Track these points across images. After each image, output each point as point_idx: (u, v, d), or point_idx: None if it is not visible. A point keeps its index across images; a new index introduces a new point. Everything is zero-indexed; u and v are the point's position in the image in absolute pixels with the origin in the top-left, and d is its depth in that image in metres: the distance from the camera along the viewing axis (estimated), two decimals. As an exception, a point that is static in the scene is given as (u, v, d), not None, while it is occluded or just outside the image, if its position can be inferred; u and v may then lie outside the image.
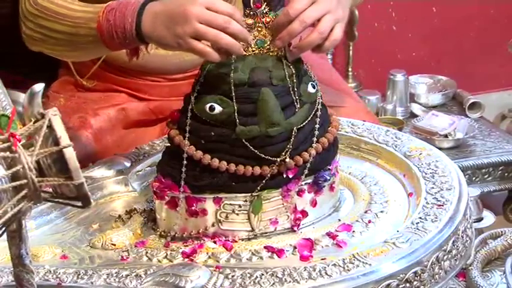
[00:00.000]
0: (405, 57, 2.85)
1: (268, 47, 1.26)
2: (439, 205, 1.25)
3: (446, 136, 2.41)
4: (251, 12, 1.25)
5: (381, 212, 1.30)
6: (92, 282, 1.13)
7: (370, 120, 1.75)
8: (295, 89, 1.25)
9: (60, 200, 0.88)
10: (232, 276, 1.11)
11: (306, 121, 1.25)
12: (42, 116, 0.87)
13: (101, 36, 1.30)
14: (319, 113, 1.27)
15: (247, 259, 1.20)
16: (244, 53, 1.24)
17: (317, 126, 1.26)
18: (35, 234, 1.31)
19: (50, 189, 0.87)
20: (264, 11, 1.26)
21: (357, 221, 1.28)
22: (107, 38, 1.30)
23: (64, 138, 0.84)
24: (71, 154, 0.84)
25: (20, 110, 0.95)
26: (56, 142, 0.85)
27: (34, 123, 0.87)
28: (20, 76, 1.81)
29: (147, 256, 1.22)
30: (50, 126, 0.85)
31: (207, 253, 1.21)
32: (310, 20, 1.25)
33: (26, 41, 1.49)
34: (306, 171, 1.25)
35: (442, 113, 2.52)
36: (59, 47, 1.43)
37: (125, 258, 1.22)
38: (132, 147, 1.55)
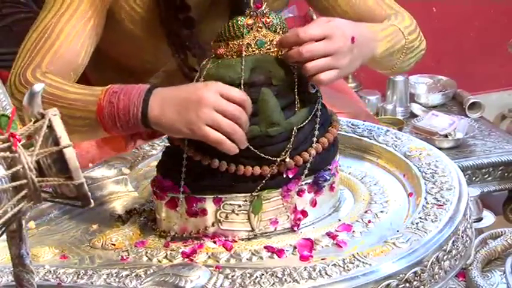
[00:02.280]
0: (405, 57, 2.84)
1: (268, 47, 1.26)
2: (439, 205, 1.25)
3: (446, 136, 2.41)
4: (251, 12, 1.25)
5: (381, 212, 1.30)
6: (91, 282, 1.13)
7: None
8: (295, 89, 1.25)
9: (60, 200, 0.88)
10: (232, 276, 1.11)
11: (306, 121, 1.25)
12: (42, 116, 0.87)
13: (101, 120, 1.23)
14: (319, 113, 1.27)
15: (247, 259, 1.20)
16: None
17: (317, 126, 1.26)
18: (35, 234, 1.31)
19: (50, 189, 0.87)
20: (264, 11, 1.26)
21: (357, 221, 1.28)
22: (107, 122, 1.23)
23: (64, 138, 0.84)
24: (71, 154, 0.84)
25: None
26: (56, 142, 0.85)
27: (34, 123, 0.87)
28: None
29: (147, 256, 1.22)
30: (50, 126, 0.85)
31: (207, 253, 1.21)
32: (309, 56, 1.21)
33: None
34: (306, 171, 1.25)
35: (442, 113, 2.52)
36: None
37: (124, 258, 1.22)
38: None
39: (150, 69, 1.59)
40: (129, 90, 1.22)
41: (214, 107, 1.17)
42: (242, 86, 1.22)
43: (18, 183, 0.84)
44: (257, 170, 1.22)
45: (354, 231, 1.25)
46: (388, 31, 1.42)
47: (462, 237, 1.23)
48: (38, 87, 0.88)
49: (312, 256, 1.18)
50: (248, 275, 1.11)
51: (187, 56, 1.51)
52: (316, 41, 1.23)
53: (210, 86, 1.19)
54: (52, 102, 1.25)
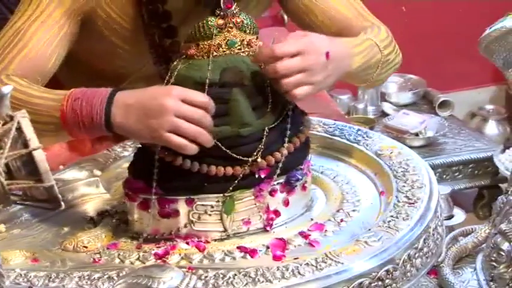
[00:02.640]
0: (376, 57, 2.86)
1: (239, 47, 1.26)
2: (410, 203, 1.26)
3: (417, 134, 2.43)
4: (221, 13, 1.25)
5: (353, 210, 1.31)
6: (63, 286, 1.12)
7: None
8: (267, 89, 1.25)
9: (31, 203, 0.88)
10: (205, 277, 1.11)
11: (278, 121, 1.25)
12: (11, 118, 0.86)
13: (65, 126, 1.24)
14: (290, 112, 1.27)
15: (220, 260, 1.19)
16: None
17: (288, 126, 1.26)
18: (5, 237, 1.29)
19: (20, 192, 0.86)
20: (235, 11, 1.25)
21: (329, 220, 1.28)
22: (72, 128, 1.24)
23: (33, 141, 0.84)
24: (40, 156, 0.83)
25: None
26: (25, 144, 0.84)
27: (3, 125, 0.86)
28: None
29: (119, 258, 1.22)
30: (19, 129, 0.85)
31: (180, 254, 1.21)
32: (284, 73, 1.21)
33: None
34: (278, 171, 1.25)
35: (413, 112, 2.54)
36: None
37: (96, 260, 1.21)
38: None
39: (124, 74, 1.58)
40: (91, 96, 1.22)
41: (175, 113, 1.17)
42: (207, 87, 1.21)
43: (-13, 186, 0.84)
44: (229, 170, 1.22)
45: (326, 231, 1.25)
46: (364, 46, 1.42)
47: (433, 234, 1.24)
48: (7, 89, 0.87)
49: (284, 256, 1.19)
50: (221, 276, 1.11)
51: (169, 64, 1.50)
52: (292, 56, 1.22)
53: (170, 92, 1.19)
54: (16, 106, 1.19)
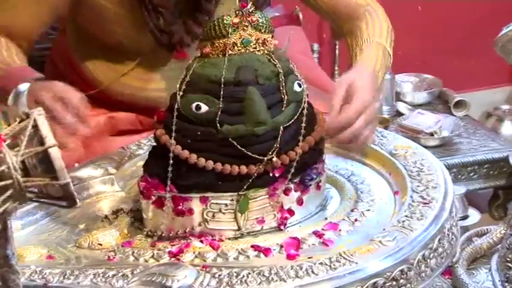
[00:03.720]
0: (391, 56, 2.85)
1: (254, 45, 1.26)
2: (425, 203, 1.25)
3: (431, 134, 2.42)
4: (236, 11, 1.25)
5: (367, 210, 1.30)
6: (78, 283, 1.13)
7: None
8: (282, 88, 1.25)
9: (46, 200, 0.88)
10: (219, 275, 1.11)
11: (293, 120, 1.25)
12: (27, 115, 0.86)
13: None
14: (305, 111, 1.27)
15: (234, 258, 1.20)
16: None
17: (303, 125, 1.26)
18: (21, 235, 1.30)
19: (36, 190, 0.87)
20: (250, 10, 1.26)
21: (344, 219, 1.28)
22: None
23: (49, 138, 0.84)
24: (56, 154, 0.84)
25: (5, 110, 0.95)
26: (41, 142, 0.84)
27: (19, 123, 0.87)
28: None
29: (133, 256, 1.22)
30: (35, 126, 0.85)
31: (194, 252, 1.21)
32: (357, 135, 1.35)
33: None
34: (293, 170, 1.25)
35: (428, 112, 2.53)
36: None
37: (111, 258, 1.22)
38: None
39: (128, 47, 1.62)
40: (13, 78, 1.30)
41: (35, 100, 1.25)
42: (222, 85, 1.22)
43: (3, 183, 0.84)
44: (243, 169, 1.22)
45: (340, 230, 1.25)
46: (379, 61, 1.52)
47: (448, 235, 1.23)
48: (23, 87, 0.88)
49: (298, 255, 1.19)
50: (235, 274, 1.11)
51: (159, 19, 1.58)
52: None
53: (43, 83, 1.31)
54: None
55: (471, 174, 2.38)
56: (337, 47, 2.76)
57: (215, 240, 1.24)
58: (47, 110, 1.21)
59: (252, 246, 1.21)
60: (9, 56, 1.44)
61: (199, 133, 1.23)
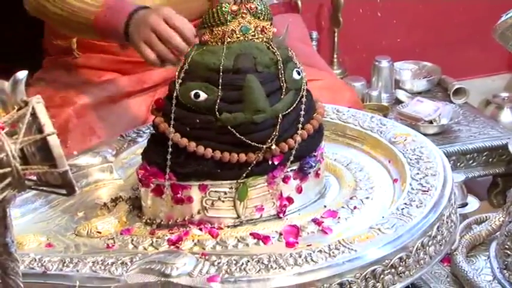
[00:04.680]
0: (390, 44, 2.85)
1: (252, 33, 1.25)
2: (424, 191, 1.25)
3: (431, 122, 2.42)
4: (236, -1, 1.24)
5: (366, 198, 1.30)
6: (77, 270, 1.13)
7: (349, 92, 1.78)
8: (280, 76, 1.25)
9: (45, 188, 0.88)
10: (218, 263, 1.12)
11: (291, 108, 1.25)
12: (26, 103, 0.86)
13: (95, 29, 1.51)
14: (304, 99, 1.27)
15: (233, 246, 1.20)
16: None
17: (302, 112, 1.26)
18: (20, 223, 1.30)
19: (34, 177, 0.87)
20: (249, -2, 1.25)
21: (343, 207, 1.28)
22: (100, 31, 1.52)
23: (48, 126, 0.84)
24: (55, 142, 0.83)
25: (3, 98, 0.95)
26: (40, 130, 0.84)
27: (17, 110, 0.86)
28: (3, 63, 1.80)
29: (132, 244, 1.22)
30: (34, 114, 0.85)
31: (193, 240, 1.21)
32: None
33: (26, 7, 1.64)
34: (292, 158, 1.25)
35: (427, 99, 2.52)
36: (56, 20, 1.60)
37: (110, 246, 1.22)
38: (117, 122, 1.55)
39: None
40: (118, 11, 1.48)
41: (151, 28, 1.42)
42: (221, 73, 1.21)
43: (1, 171, 0.84)
44: (242, 156, 1.22)
45: (339, 218, 1.25)
46: None
47: (447, 222, 1.23)
48: (21, 74, 0.87)
49: (297, 242, 1.19)
50: (234, 262, 1.11)
51: None
52: None
53: (158, 11, 1.44)
54: (57, 5, 1.55)
55: (470, 162, 2.38)
56: (335, 34, 2.75)
57: (214, 228, 1.24)
58: (162, 36, 1.40)
59: (251, 234, 1.21)
60: None
61: (198, 121, 1.22)
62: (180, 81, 1.24)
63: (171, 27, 1.41)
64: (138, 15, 1.47)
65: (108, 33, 1.51)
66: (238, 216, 1.25)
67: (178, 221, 1.25)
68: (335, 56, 2.77)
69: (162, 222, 1.26)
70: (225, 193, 1.24)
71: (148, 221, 1.27)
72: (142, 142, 1.45)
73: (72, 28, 1.60)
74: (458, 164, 2.36)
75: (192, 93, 1.22)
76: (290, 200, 1.27)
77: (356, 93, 1.99)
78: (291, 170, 1.26)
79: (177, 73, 1.25)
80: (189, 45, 1.40)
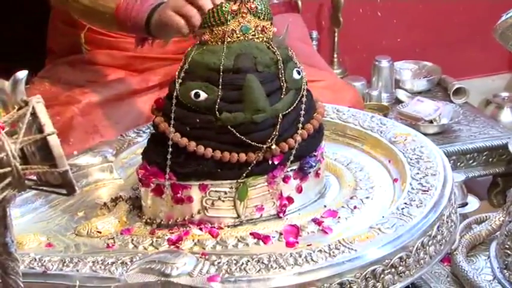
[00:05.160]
0: (390, 44, 2.85)
1: (253, 33, 1.25)
2: (424, 190, 1.25)
3: (431, 122, 2.42)
4: (236, -1, 1.24)
5: (366, 197, 1.30)
6: (77, 270, 1.13)
7: (351, 92, 1.78)
8: (280, 75, 1.25)
9: (45, 188, 0.88)
10: (218, 262, 1.12)
11: (292, 107, 1.25)
12: (26, 103, 0.86)
13: (117, 20, 1.48)
14: (304, 99, 1.27)
15: (233, 246, 1.20)
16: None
17: (302, 112, 1.26)
18: (20, 222, 1.30)
19: (35, 177, 0.87)
20: (249, -3, 1.25)
21: (343, 207, 1.28)
22: (121, 23, 1.48)
23: (48, 126, 0.84)
24: (55, 141, 0.83)
25: (3, 98, 0.95)
26: (40, 129, 0.84)
27: (18, 110, 0.86)
28: (4, 63, 1.80)
29: (132, 243, 1.22)
30: (34, 114, 0.85)
31: (193, 240, 1.21)
32: None
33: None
34: (292, 158, 1.25)
35: (427, 99, 2.52)
36: (77, 13, 1.61)
37: (110, 245, 1.22)
38: (121, 121, 1.55)
39: None
40: (140, 4, 1.45)
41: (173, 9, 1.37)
42: (221, 73, 1.21)
43: (2, 171, 0.84)
44: (243, 156, 1.22)
45: (339, 217, 1.25)
46: None
47: (447, 222, 1.23)
48: (21, 74, 0.87)
49: (297, 242, 1.19)
50: (234, 262, 1.11)
51: None
52: None
53: None
54: None
55: (470, 162, 2.38)
56: (336, 34, 2.75)
57: (214, 227, 1.24)
58: (185, 15, 1.35)
59: (251, 234, 1.21)
60: None
61: (198, 121, 1.22)
62: (180, 80, 1.24)
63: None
64: (160, 13, 1.43)
65: (130, 24, 1.49)
66: (239, 216, 1.25)
67: (178, 220, 1.25)
68: (335, 55, 2.77)
69: (162, 222, 1.26)
70: (225, 193, 1.24)
71: (148, 220, 1.28)
72: (143, 142, 1.45)
73: (95, 19, 1.59)
74: (459, 163, 2.36)
75: (192, 93, 1.22)
76: (290, 199, 1.27)
77: (358, 93, 1.99)
78: (291, 170, 1.26)
79: (177, 73, 1.25)
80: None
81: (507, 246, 1.40)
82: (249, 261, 1.11)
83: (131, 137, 1.52)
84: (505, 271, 1.41)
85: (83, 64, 1.75)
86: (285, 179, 1.26)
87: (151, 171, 1.25)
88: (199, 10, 1.34)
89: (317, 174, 1.30)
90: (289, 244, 1.19)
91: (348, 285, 1.10)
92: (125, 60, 1.74)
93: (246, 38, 1.25)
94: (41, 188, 0.88)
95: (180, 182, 1.24)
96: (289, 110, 1.25)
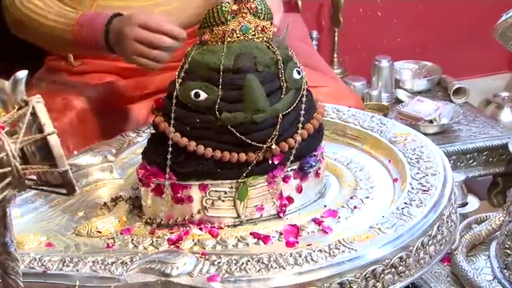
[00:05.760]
0: (390, 43, 2.85)
1: (253, 33, 1.25)
2: (424, 190, 1.25)
3: (431, 122, 2.42)
4: (236, -2, 1.24)
5: (366, 197, 1.30)
6: (77, 270, 1.13)
7: (353, 99, 1.78)
8: (280, 75, 1.25)
9: (45, 188, 0.88)
10: (218, 262, 1.12)
11: (292, 107, 1.25)
12: (26, 103, 0.86)
13: (78, 45, 1.54)
14: (304, 99, 1.27)
15: (233, 245, 1.20)
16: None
17: (302, 112, 1.26)
18: (20, 222, 1.30)
19: (35, 177, 0.87)
20: (249, -3, 1.25)
21: (343, 206, 1.28)
22: (83, 47, 1.55)
23: (48, 126, 0.84)
24: (55, 141, 0.83)
25: (3, 97, 0.95)
26: (40, 129, 0.84)
27: (18, 110, 0.86)
28: (4, 63, 1.80)
29: (132, 243, 1.22)
30: (34, 114, 0.85)
31: (193, 240, 1.21)
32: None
33: (12, 30, 1.66)
34: (292, 158, 1.25)
35: (427, 99, 2.52)
36: (41, 43, 1.64)
37: (110, 245, 1.22)
38: (117, 128, 1.55)
39: None
40: (93, 24, 1.51)
41: (134, 39, 1.45)
42: (221, 73, 1.21)
43: (2, 171, 0.84)
44: (242, 156, 1.22)
45: (339, 217, 1.25)
46: None
47: (447, 222, 1.23)
48: (22, 74, 0.87)
49: (297, 242, 1.19)
50: (234, 262, 1.11)
51: None
52: None
53: (130, 21, 1.46)
54: (33, 27, 1.58)
55: (470, 162, 2.38)
56: (336, 34, 2.75)
57: (214, 227, 1.24)
58: (147, 43, 1.43)
59: (251, 234, 1.21)
60: (61, 14, 1.55)
61: (198, 120, 1.22)
62: (180, 80, 1.24)
63: (150, 30, 1.45)
64: (113, 27, 1.49)
65: (92, 48, 1.54)
66: (239, 216, 1.25)
67: (178, 220, 1.25)
68: (335, 55, 2.77)
69: (162, 222, 1.26)
70: (225, 193, 1.24)
71: (148, 220, 1.28)
72: (142, 142, 1.45)
73: (60, 48, 1.64)
74: (459, 163, 2.36)
75: (192, 92, 1.22)
76: (290, 199, 1.27)
77: (360, 100, 1.99)
78: (291, 170, 1.26)
79: (177, 73, 1.25)
80: (176, 37, 1.44)
81: (507, 246, 1.40)
82: (249, 261, 1.11)
83: (131, 137, 1.52)
84: (505, 271, 1.41)
85: (78, 70, 1.75)
86: (285, 179, 1.26)
87: (151, 171, 1.25)
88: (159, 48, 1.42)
89: (317, 174, 1.30)
90: (289, 244, 1.19)
91: (348, 285, 1.10)
92: (118, 70, 1.74)
93: (246, 38, 1.25)
94: (41, 188, 0.88)
95: (180, 182, 1.24)
96: (289, 109, 1.25)
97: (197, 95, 1.22)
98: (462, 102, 2.62)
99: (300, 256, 1.11)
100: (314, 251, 1.12)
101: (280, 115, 1.23)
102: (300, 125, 1.25)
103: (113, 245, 1.22)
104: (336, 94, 1.75)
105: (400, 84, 2.74)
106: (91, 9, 1.61)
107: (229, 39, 1.24)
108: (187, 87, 1.23)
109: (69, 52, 1.70)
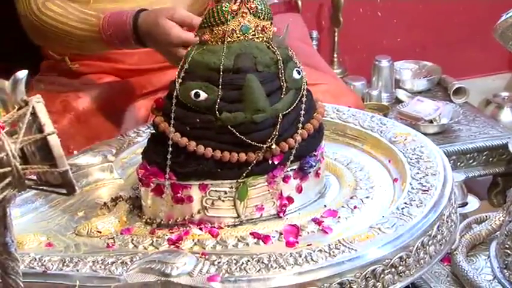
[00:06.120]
0: (390, 43, 2.85)
1: (253, 33, 1.25)
2: (424, 190, 1.25)
3: (431, 121, 2.42)
4: (236, -2, 1.24)
5: (367, 197, 1.30)
6: (77, 270, 1.13)
7: (352, 97, 1.78)
8: (281, 75, 1.25)
9: (45, 188, 0.88)
10: (218, 262, 1.12)
11: (292, 107, 1.25)
12: (26, 103, 0.86)
13: (108, 46, 1.56)
14: (304, 99, 1.27)
15: (233, 245, 1.20)
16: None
17: (302, 112, 1.26)
18: (20, 222, 1.30)
19: (35, 177, 0.87)
20: (249, -3, 1.25)
21: (343, 206, 1.28)
22: (114, 46, 1.56)
23: (48, 126, 0.84)
24: (55, 141, 0.83)
25: (3, 97, 0.95)
26: (40, 129, 0.84)
27: (18, 110, 0.86)
28: (4, 63, 1.81)
29: (132, 243, 1.22)
30: (34, 113, 0.85)
31: (193, 240, 1.21)
32: None
33: (30, 36, 1.66)
34: (292, 158, 1.25)
35: (427, 99, 2.52)
36: (64, 49, 1.67)
37: (110, 245, 1.22)
38: (117, 128, 1.55)
39: None
40: (119, 26, 1.52)
41: (172, 44, 1.46)
42: (221, 73, 1.21)
43: (2, 170, 0.84)
44: (243, 156, 1.22)
45: (339, 217, 1.25)
46: None
47: (447, 222, 1.23)
48: (21, 74, 0.88)
49: (297, 242, 1.19)
50: (234, 262, 1.11)
51: None
52: None
53: (162, 13, 1.47)
54: (56, 33, 1.58)
55: (470, 161, 2.38)
56: (336, 34, 2.75)
57: (214, 227, 1.24)
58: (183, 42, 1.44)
59: (251, 234, 1.21)
60: (83, 20, 1.56)
61: (198, 120, 1.22)
62: (180, 80, 1.24)
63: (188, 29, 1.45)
64: (141, 27, 1.50)
65: (123, 45, 1.55)
66: (239, 216, 1.25)
67: (178, 220, 1.25)
68: (335, 55, 2.77)
69: (162, 222, 1.26)
70: (225, 193, 1.24)
71: (148, 220, 1.28)
72: (143, 142, 1.45)
73: (85, 49, 1.64)
74: (459, 163, 2.36)
75: (192, 92, 1.22)
76: (290, 199, 1.27)
77: (359, 98, 1.99)
78: (291, 170, 1.26)
79: (177, 73, 1.25)
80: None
81: (507, 246, 1.40)
82: (249, 261, 1.11)
83: (131, 136, 1.52)
84: (505, 271, 1.41)
85: (76, 72, 1.75)
86: (285, 179, 1.26)
87: (151, 171, 1.25)
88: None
89: (317, 174, 1.30)
90: (289, 244, 1.19)
91: (348, 285, 1.10)
92: (117, 72, 1.74)
93: (246, 38, 1.25)
94: (41, 188, 0.88)
95: (180, 182, 1.24)
96: (289, 109, 1.25)
97: (197, 95, 1.22)
98: (462, 102, 2.62)
99: (300, 256, 1.11)
100: (314, 251, 1.12)
101: (280, 115, 1.23)
102: (300, 125, 1.25)
103: (113, 245, 1.22)
104: (334, 92, 1.75)
105: (400, 84, 2.74)
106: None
107: (229, 39, 1.24)
108: (187, 87, 1.23)
109: (98, 52, 1.70)
